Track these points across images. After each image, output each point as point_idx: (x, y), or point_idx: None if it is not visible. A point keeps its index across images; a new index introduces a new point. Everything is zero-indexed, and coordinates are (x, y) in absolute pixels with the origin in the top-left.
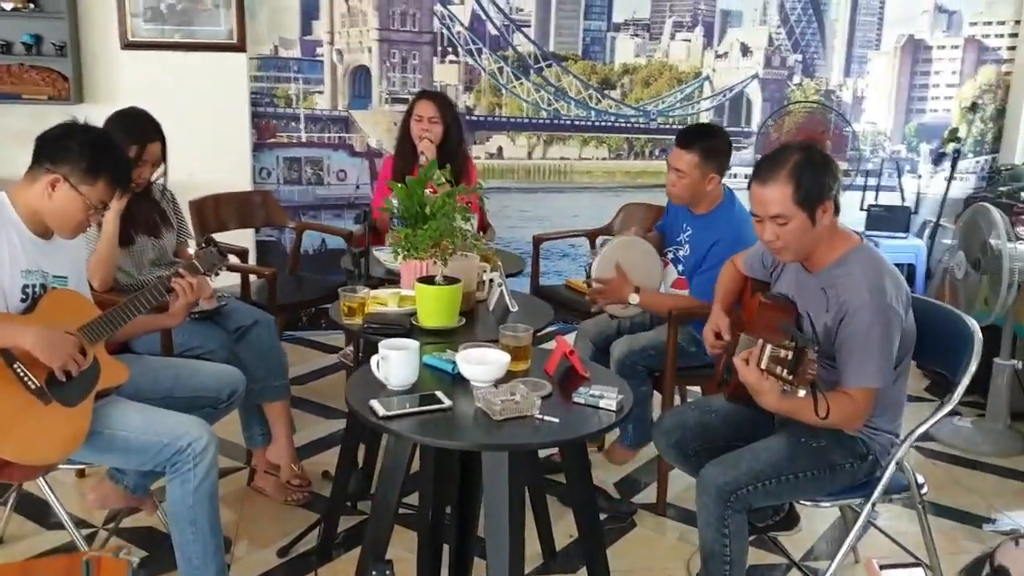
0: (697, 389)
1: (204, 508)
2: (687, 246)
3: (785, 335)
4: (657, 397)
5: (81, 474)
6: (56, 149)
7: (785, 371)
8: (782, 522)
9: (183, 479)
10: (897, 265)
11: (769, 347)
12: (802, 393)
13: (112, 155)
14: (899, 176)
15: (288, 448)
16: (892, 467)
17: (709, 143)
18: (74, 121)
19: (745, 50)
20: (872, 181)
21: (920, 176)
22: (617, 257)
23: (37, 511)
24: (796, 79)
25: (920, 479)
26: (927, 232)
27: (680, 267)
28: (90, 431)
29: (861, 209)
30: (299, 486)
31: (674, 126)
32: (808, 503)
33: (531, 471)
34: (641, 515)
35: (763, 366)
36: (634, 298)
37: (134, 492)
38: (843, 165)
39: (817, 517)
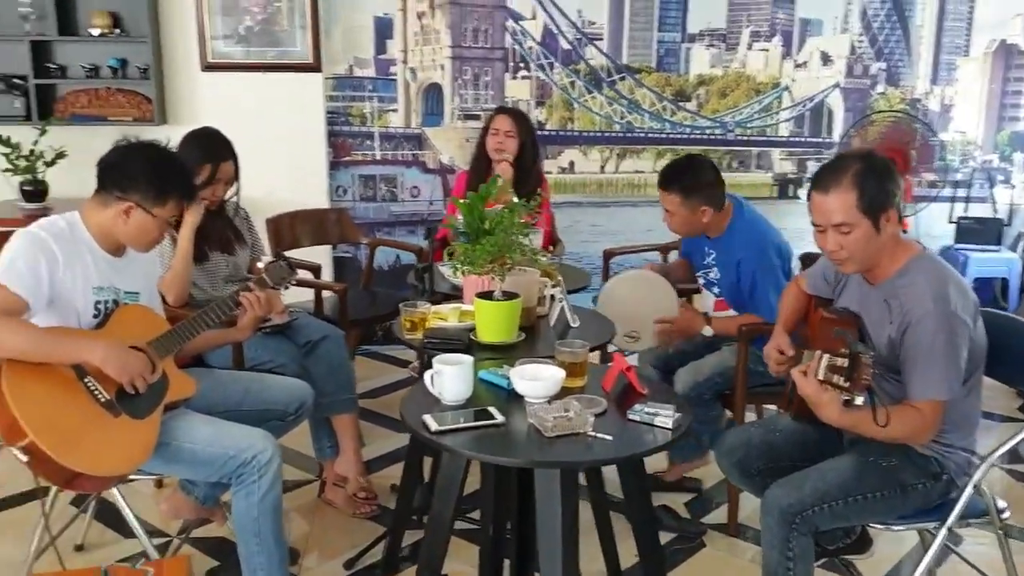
0: (773, 408)
1: (268, 519)
2: (715, 269)
3: (841, 343)
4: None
5: (159, 485)
6: (121, 177)
7: (841, 379)
8: (854, 545)
9: (248, 491)
10: (989, 279)
11: (826, 357)
12: (859, 401)
13: (176, 173)
14: (991, 187)
15: (355, 461)
16: (969, 490)
17: (687, 181)
18: (127, 143)
19: (826, 59)
20: (961, 192)
21: (1014, 187)
22: (623, 293)
23: (117, 519)
24: (880, 88)
25: (1002, 503)
26: (1021, 245)
27: (716, 289)
28: (158, 443)
29: (950, 222)
30: (366, 499)
31: (752, 137)
32: (879, 526)
33: (594, 488)
34: (711, 535)
35: (820, 377)
36: (708, 330)
37: (204, 503)
38: (930, 176)
39: (896, 542)
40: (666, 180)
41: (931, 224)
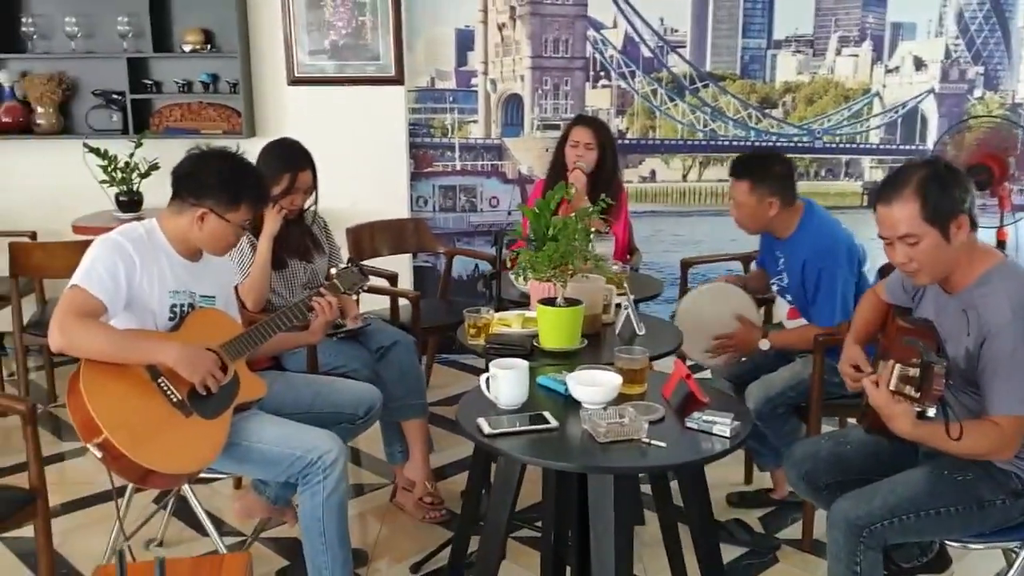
0: (853, 420)
1: (333, 520)
2: (785, 275)
3: (913, 352)
4: None
5: (238, 485)
6: (194, 185)
7: (913, 389)
8: (931, 563)
9: (313, 491)
10: None
11: (898, 367)
12: (931, 412)
13: (247, 179)
14: None
15: (423, 466)
16: None
17: (759, 170)
18: (199, 152)
19: (919, 63)
20: None
21: None
22: (702, 307)
23: (194, 517)
24: (977, 92)
25: None
26: None
27: (788, 297)
28: (228, 443)
29: None
30: (432, 504)
31: (841, 144)
32: (955, 544)
33: (661, 496)
34: (785, 551)
35: (892, 387)
36: (764, 344)
37: (275, 503)
38: None
39: (979, 561)
40: (736, 168)
41: None
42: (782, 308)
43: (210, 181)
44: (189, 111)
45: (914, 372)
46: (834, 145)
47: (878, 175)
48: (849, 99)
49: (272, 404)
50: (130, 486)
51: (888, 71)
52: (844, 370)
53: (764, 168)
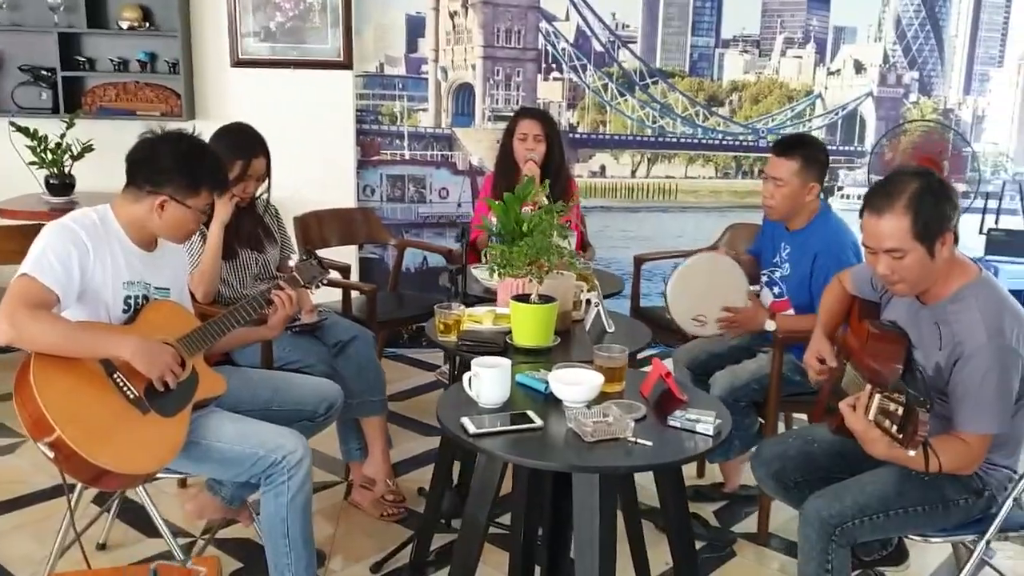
0: (803, 417)
1: (297, 521)
2: (786, 265)
3: (893, 375)
4: None
5: (183, 484)
6: (152, 171)
7: (894, 427)
8: (890, 557)
9: (277, 491)
10: (1019, 292)
11: (878, 397)
12: (912, 453)
13: (206, 162)
14: (1022, 199)
15: (384, 463)
16: (1009, 503)
17: (808, 150)
18: (153, 136)
19: (859, 67)
20: (992, 204)
21: None
22: (700, 275)
23: (139, 519)
24: (912, 97)
25: None
26: None
27: (777, 289)
28: (187, 441)
29: (980, 233)
30: (393, 501)
31: None
32: (918, 538)
33: (626, 494)
34: (741, 544)
35: (871, 417)
36: (770, 324)
37: (231, 503)
38: (961, 187)
39: (927, 552)
40: (788, 146)
41: (962, 235)
42: (765, 299)
43: (167, 166)
44: (125, 91)
45: (895, 408)
46: None
47: None
48: (793, 99)
49: (229, 401)
50: (79, 486)
51: (830, 73)
52: (810, 362)
53: (814, 152)
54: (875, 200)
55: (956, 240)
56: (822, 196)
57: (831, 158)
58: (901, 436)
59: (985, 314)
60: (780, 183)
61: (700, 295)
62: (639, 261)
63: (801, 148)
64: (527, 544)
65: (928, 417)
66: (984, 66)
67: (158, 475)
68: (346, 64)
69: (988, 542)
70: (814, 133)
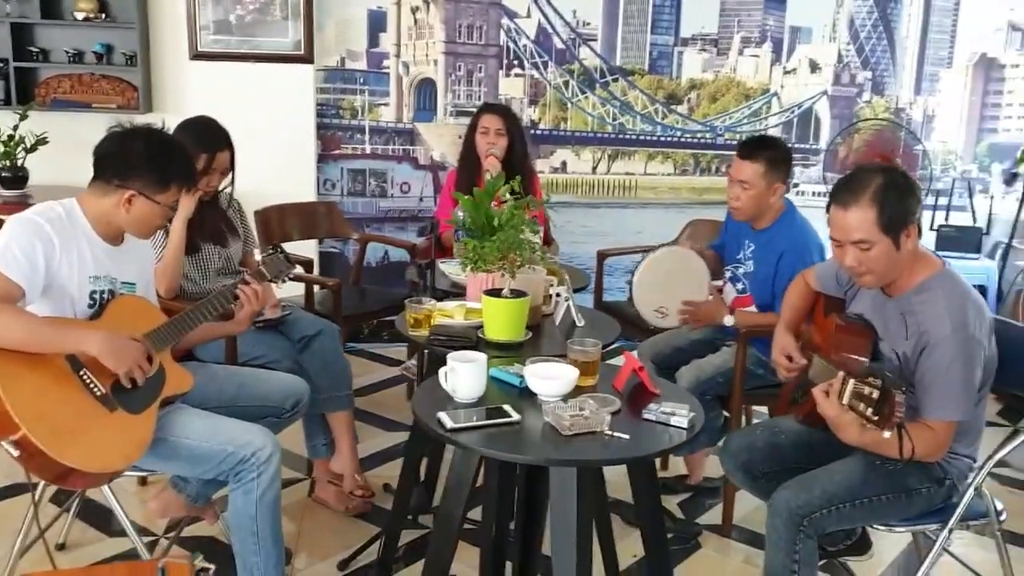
0: (763, 409)
1: (267, 518)
2: (750, 262)
3: (859, 367)
4: None
5: (143, 482)
6: (120, 166)
7: (870, 410)
8: (854, 547)
9: (246, 488)
10: None
11: (852, 382)
12: (887, 435)
13: (175, 158)
14: (970, 196)
15: (352, 458)
16: (970, 493)
17: (773, 152)
18: (121, 130)
19: (814, 66)
20: (942, 201)
21: (992, 196)
22: (663, 268)
23: (99, 518)
24: (866, 96)
25: (999, 506)
26: (999, 253)
27: (740, 285)
28: (155, 438)
29: (931, 229)
30: (362, 496)
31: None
32: (882, 528)
33: (595, 488)
34: (706, 536)
35: (845, 401)
36: (729, 319)
37: (196, 501)
38: None
39: (888, 542)
40: (752, 149)
41: None
42: (727, 295)
43: (136, 161)
44: (80, 83)
45: (870, 391)
46: (735, 142)
47: None
48: (750, 98)
49: (195, 397)
50: (41, 484)
51: (786, 72)
52: (778, 360)
53: (778, 153)
54: (841, 194)
55: (920, 233)
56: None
57: None
58: (877, 418)
59: (950, 305)
60: (746, 186)
61: (663, 288)
62: (602, 256)
63: (765, 150)
64: (498, 539)
65: (904, 399)
66: (934, 67)
67: (123, 473)
68: (307, 58)
69: (951, 531)
70: (770, 131)
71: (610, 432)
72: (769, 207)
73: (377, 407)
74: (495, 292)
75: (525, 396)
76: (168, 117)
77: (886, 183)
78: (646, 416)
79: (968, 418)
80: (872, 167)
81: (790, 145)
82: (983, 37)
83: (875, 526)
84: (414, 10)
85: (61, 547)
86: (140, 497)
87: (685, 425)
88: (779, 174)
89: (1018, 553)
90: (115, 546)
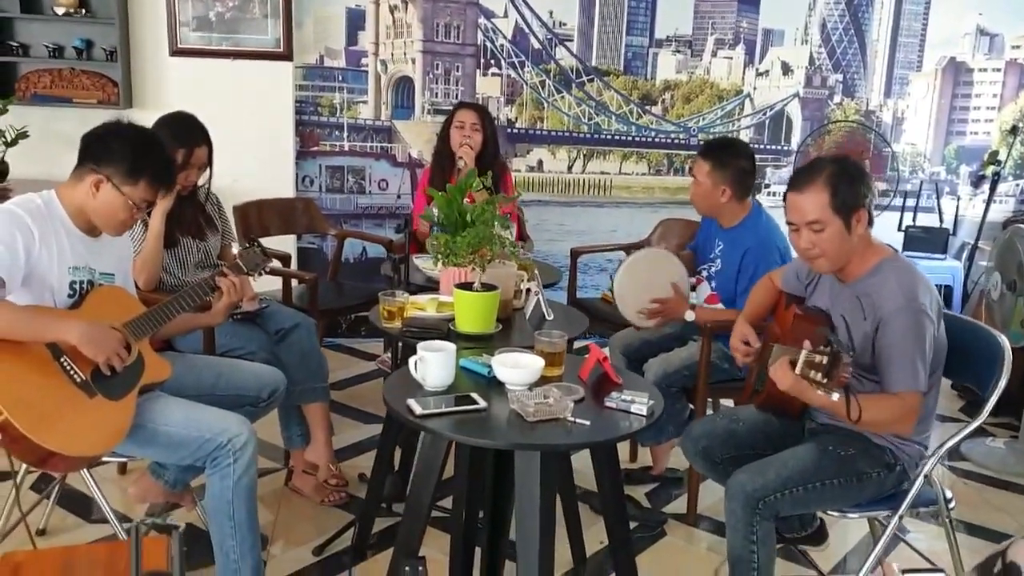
0: (730, 402)
1: (243, 503)
2: (719, 261)
3: (821, 340)
4: None
5: (123, 469)
6: (100, 150)
7: (820, 375)
8: (811, 537)
9: (223, 474)
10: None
11: (804, 353)
12: (835, 396)
13: (154, 156)
14: (938, 198)
15: (327, 449)
16: (920, 480)
17: (724, 155)
18: (118, 121)
19: (786, 69)
20: (911, 202)
21: (959, 198)
22: (642, 270)
23: (79, 505)
24: (836, 98)
25: (948, 494)
26: (965, 254)
27: (713, 283)
28: (133, 425)
29: (899, 230)
30: (336, 486)
31: None
32: (835, 513)
33: (563, 477)
34: (671, 525)
35: (798, 371)
36: (690, 315)
37: (174, 487)
38: (882, 186)
39: (847, 532)
40: (706, 149)
41: (881, 232)
42: (702, 293)
43: (115, 147)
44: (60, 78)
45: (820, 358)
46: None
47: None
48: (723, 99)
49: (172, 386)
50: (23, 467)
51: (759, 74)
52: (735, 345)
53: (729, 156)
54: (797, 180)
55: (871, 222)
56: (753, 197)
57: (758, 156)
58: (826, 381)
59: (900, 282)
60: (696, 183)
61: (646, 289)
62: (576, 254)
63: (714, 152)
64: (468, 526)
65: (851, 361)
66: (904, 70)
67: (105, 459)
68: (286, 55)
69: (901, 517)
70: (743, 132)
71: (572, 419)
72: (723, 207)
73: (354, 400)
74: (466, 286)
75: (493, 385)
76: (148, 113)
77: (839, 169)
78: (607, 404)
79: (924, 389)
80: (826, 158)
81: (761, 146)
82: (952, 41)
83: (829, 512)
84: (392, 9)
85: (42, 532)
86: (120, 484)
87: (644, 412)
88: (725, 176)
89: (973, 543)
90: (95, 532)
